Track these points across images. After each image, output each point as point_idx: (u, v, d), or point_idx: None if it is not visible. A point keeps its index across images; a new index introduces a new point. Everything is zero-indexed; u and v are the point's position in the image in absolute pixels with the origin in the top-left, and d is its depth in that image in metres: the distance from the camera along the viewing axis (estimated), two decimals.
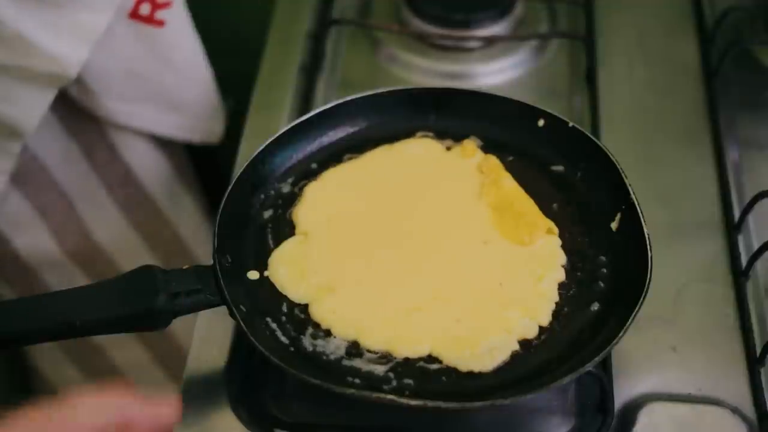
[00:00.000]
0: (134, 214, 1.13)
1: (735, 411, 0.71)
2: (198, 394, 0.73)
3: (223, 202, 0.74)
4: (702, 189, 0.86)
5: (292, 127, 0.81)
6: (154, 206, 1.14)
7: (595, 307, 0.71)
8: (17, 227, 1.08)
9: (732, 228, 0.82)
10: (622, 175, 0.76)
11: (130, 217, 1.13)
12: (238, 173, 0.77)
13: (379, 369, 0.67)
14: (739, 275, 0.79)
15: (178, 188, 1.15)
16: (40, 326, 0.64)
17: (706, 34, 1.00)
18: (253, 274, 0.73)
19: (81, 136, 1.06)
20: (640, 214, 0.73)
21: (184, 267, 0.68)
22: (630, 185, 0.75)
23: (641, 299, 0.67)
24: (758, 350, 0.74)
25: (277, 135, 0.80)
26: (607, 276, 0.72)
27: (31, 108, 0.91)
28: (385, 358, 0.68)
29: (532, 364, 0.68)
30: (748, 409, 0.71)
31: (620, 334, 0.65)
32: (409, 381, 0.66)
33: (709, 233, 0.83)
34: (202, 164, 1.19)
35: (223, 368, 0.74)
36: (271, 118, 0.94)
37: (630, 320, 0.66)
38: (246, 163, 0.77)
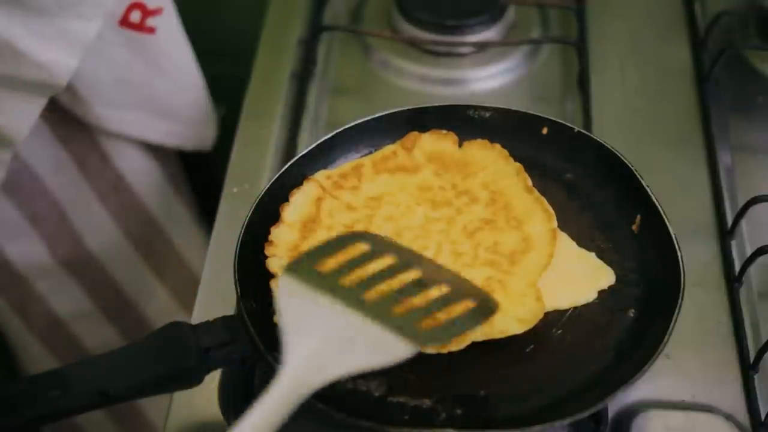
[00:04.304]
0: (126, 221, 1.12)
1: (729, 418, 0.71)
2: (189, 402, 0.73)
3: (237, 247, 0.71)
4: (695, 194, 0.86)
5: (295, 161, 0.78)
6: (147, 213, 1.13)
7: (632, 313, 0.70)
8: (9, 235, 1.08)
9: (725, 233, 0.82)
10: (638, 176, 0.75)
11: (122, 224, 1.12)
12: (247, 216, 0.73)
13: (426, 402, 0.66)
14: (733, 281, 0.79)
15: (170, 195, 1.15)
16: (71, 401, 0.61)
17: (698, 39, 1.00)
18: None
19: (72, 143, 1.06)
20: (663, 215, 0.73)
21: (212, 319, 0.66)
22: (648, 186, 0.74)
23: (679, 301, 0.67)
24: (752, 356, 0.74)
25: (281, 172, 0.77)
26: (637, 280, 0.72)
27: (22, 116, 0.91)
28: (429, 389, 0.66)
29: (574, 377, 0.67)
30: (742, 416, 0.71)
31: (665, 339, 0.65)
32: (458, 410, 0.65)
33: (702, 238, 0.83)
34: (194, 171, 1.18)
35: (215, 376, 0.73)
36: (262, 125, 0.94)
37: (672, 324, 0.66)
38: (254, 205, 0.74)
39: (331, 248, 0.63)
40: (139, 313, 1.19)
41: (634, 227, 0.75)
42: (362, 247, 0.63)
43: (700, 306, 0.77)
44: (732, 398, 0.72)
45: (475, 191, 0.77)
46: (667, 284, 0.69)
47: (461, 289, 0.63)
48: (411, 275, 0.62)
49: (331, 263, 0.62)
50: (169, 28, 0.98)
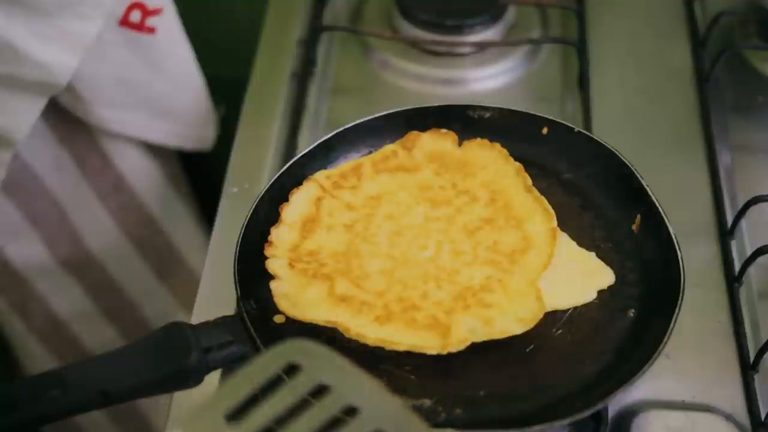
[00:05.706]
0: (126, 221, 1.12)
1: (729, 418, 0.71)
2: (189, 402, 0.73)
3: (237, 247, 0.72)
4: (695, 194, 0.86)
5: (295, 161, 0.79)
6: (147, 213, 1.13)
7: (632, 313, 0.71)
8: (9, 235, 1.08)
9: (725, 233, 0.82)
10: (638, 176, 0.76)
11: (123, 224, 1.12)
12: (247, 216, 0.74)
13: (426, 402, 0.66)
14: (733, 281, 0.79)
15: (171, 195, 1.15)
16: (71, 401, 0.61)
17: (698, 39, 1.00)
18: (279, 318, 0.70)
19: (73, 143, 1.06)
20: (663, 215, 0.73)
21: (212, 319, 0.67)
22: (648, 186, 0.75)
23: (679, 301, 0.68)
24: (752, 356, 0.74)
25: (281, 172, 0.78)
26: (637, 280, 0.72)
27: (22, 116, 0.91)
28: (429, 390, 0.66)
29: (574, 377, 0.67)
30: (743, 416, 0.71)
31: (665, 339, 0.65)
32: (458, 410, 0.65)
33: (702, 239, 0.83)
34: (194, 171, 1.18)
35: (215, 376, 0.73)
36: (262, 125, 0.93)
37: (672, 324, 0.66)
38: (254, 205, 0.75)
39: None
40: (139, 313, 1.19)
41: (634, 227, 0.75)
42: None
43: (700, 306, 0.77)
44: (732, 398, 0.72)
45: (474, 190, 0.77)
46: (667, 284, 0.70)
47: None
48: None
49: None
50: (169, 28, 0.98)
